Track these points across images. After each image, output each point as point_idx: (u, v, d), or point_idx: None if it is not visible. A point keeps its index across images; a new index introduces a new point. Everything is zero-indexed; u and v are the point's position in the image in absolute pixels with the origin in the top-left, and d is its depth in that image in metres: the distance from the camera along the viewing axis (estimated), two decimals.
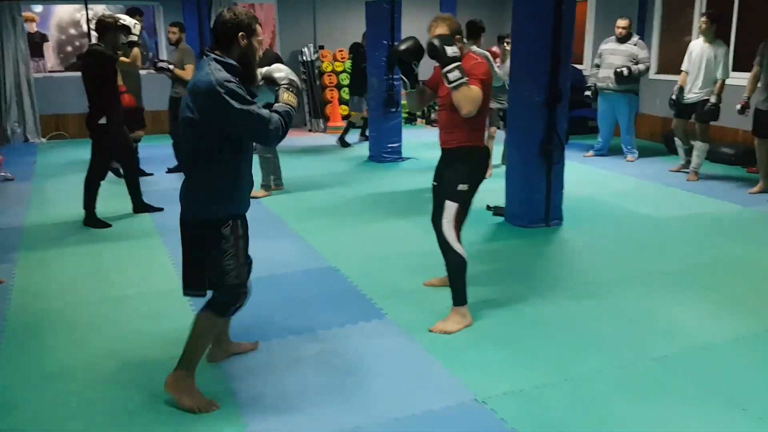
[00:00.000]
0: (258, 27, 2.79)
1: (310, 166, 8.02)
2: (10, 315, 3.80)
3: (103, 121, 5.38)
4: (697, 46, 6.92)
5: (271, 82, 2.90)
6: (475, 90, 3.42)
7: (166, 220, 5.63)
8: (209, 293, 2.92)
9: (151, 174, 7.37)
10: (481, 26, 6.65)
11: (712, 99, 6.80)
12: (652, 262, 4.62)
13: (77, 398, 2.94)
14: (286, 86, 2.85)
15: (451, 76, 3.38)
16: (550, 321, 3.70)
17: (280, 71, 2.88)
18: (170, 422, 2.76)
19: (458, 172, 3.58)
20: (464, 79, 3.38)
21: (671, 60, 9.24)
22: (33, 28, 10.58)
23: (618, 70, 7.75)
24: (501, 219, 5.61)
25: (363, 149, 8.74)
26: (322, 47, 10.83)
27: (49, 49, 11.31)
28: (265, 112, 2.66)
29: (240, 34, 2.71)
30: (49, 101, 9.74)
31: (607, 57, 7.97)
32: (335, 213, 5.93)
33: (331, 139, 10.03)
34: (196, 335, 2.89)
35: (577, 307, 3.87)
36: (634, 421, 2.76)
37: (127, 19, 5.47)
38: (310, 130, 10.67)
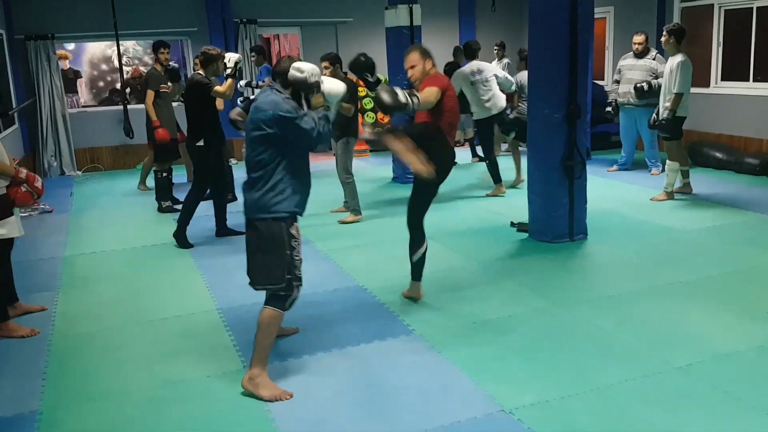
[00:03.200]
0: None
1: (336, 188, 8.15)
2: (53, 339, 3.97)
3: (200, 143, 5.82)
4: (667, 62, 6.80)
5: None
6: (422, 94, 3.97)
7: (200, 246, 5.81)
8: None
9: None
10: (476, 47, 7.66)
11: (665, 114, 6.56)
12: (676, 273, 4.65)
13: (118, 417, 3.08)
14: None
15: (409, 107, 3.94)
16: (574, 333, 3.76)
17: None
18: None
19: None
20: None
21: (692, 72, 9.25)
22: (66, 65, 10.99)
23: (638, 85, 7.80)
24: (525, 235, 5.68)
25: (387, 171, 8.87)
26: (345, 73, 11.03)
27: (82, 85, 11.72)
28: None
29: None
30: (83, 135, 10.07)
31: (626, 72, 8.04)
32: (361, 233, 6.05)
33: (356, 161, 10.17)
34: (263, 332, 3.23)
35: (600, 319, 3.92)
36: (660, 430, 2.80)
37: (228, 55, 5.86)
38: (334, 154, 10.83)
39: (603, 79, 10.49)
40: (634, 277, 4.62)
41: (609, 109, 8.23)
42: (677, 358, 3.40)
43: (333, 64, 6.35)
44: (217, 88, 5.81)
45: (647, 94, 7.80)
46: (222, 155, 6.12)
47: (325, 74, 6.32)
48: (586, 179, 5.50)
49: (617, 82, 8.18)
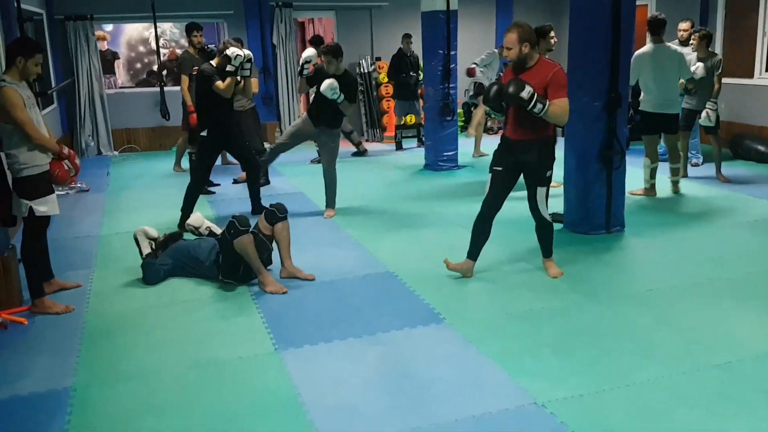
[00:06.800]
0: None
1: (368, 174, 8.14)
2: (88, 318, 4.02)
3: (203, 133, 5.79)
4: None
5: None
6: (562, 104, 3.99)
7: None
8: None
9: (218, 185, 7.61)
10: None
11: None
12: (716, 269, 4.53)
13: (149, 397, 3.10)
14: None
15: (537, 110, 3.92)
16: (610, 328, 3.68)
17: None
18: (237, 421, 2.89)
19: (544, 161, 4.19)
20: (547, 105, 3.93)
21: (736, 63, 9.00)
22: (104, 46, 11.10)
23: None
24: (560, 226, 5.58)
25: (418, 158, 8.81)
26: (379, 59, 10.97)
27: (119, 66, 11.85)
28: None
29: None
30: (120, 116, 10.18)
31: None
32: (393, 221, 6.01)
33: (387, 147, 10.15)
34: None
35: (637, 314, 3.84)
36: (696, 429, 2.74)
37: (229, 50, 5.62)
38: (366, 140, 10.81)
39: None
40: (673, 272, 4.51)
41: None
42: (716, 356, 3.31)
43: (335, 57, 5.92)
44: (218, 83, 5.59)
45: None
46: (239, 140, 6.09)
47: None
48: (624, 170, 5.38)
49: None
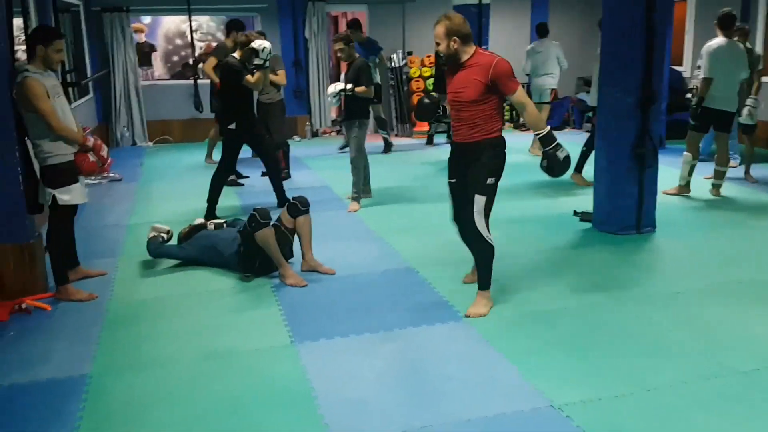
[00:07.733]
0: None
1: (395, 170, 8.08)
2: (110, 305, 4.07)
3: (232, 126, 5.78)
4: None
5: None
6: (522, 98, 3.70)
7: None
8: None
9: (247, 177, 7.64)
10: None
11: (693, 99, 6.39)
12: (746, 271, 4.39)
13: (163, 387, 3.11)
14: None
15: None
16: (631, 330, 3.59)
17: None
18: (247, 413, 2.88)
19: (487, 163, 3.69)
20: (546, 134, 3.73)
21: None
22: (142, 38, 11.24)
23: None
24: (588, 225, 5.46)
25: (444, 153, 8.70)
26: (410, 53, 10.90)
27: (156, 58, 11.99)
28: None
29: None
30: (155, 108, 10.30)
31: None
32: (416, 216, 5.95)
33: (417, 142, 10.08)
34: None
35: (660, 317, 3.73)
36: None
37: (256, 42, 5.58)
38: (396, 135, 10.75)
39: (682, 65, 10.00)
40: (701, 274, 4.37)
41: (689, 95, 7.81)
42: (738, 362, 3.19)
43: (347, 43, 5.99)
44: (248, 78, 5.61)
45: None
46: (261, 136, 6.10)
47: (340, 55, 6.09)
48: (657, 169, 5.24)
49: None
